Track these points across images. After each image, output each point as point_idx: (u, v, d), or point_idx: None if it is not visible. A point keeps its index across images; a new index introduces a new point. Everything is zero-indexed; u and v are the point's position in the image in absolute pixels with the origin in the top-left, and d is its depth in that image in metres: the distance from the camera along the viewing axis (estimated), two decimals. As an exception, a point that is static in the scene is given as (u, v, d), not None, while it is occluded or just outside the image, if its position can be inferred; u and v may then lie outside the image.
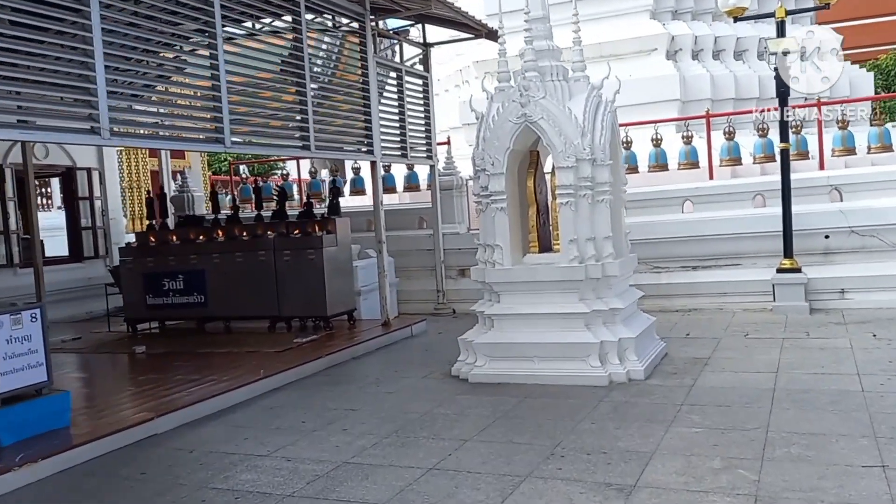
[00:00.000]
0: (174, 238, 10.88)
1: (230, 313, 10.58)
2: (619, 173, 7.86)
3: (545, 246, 7.82)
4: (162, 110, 8.00)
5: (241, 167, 24.01)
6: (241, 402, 6.99)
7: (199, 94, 7.49)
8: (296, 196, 17.01)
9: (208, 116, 7.36)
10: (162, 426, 6.17)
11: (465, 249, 12.05)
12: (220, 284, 10.47)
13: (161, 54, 7.66)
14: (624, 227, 7.99)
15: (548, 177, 7.89)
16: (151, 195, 11.37)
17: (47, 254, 15.78)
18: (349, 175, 14.40)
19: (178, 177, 14.64)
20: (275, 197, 11.42)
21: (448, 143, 12.82)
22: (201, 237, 10.70)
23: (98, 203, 14.97)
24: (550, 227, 7.69)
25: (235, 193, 14.18)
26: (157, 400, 6.74)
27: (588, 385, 6.86)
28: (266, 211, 11.09)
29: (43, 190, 16.50)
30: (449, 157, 12.53)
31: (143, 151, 22.34)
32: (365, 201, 13.84)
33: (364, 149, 10.09)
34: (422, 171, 13.29)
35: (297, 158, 16.19)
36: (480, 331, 7.68)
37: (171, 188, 14.89)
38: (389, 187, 13.30)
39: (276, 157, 22.43)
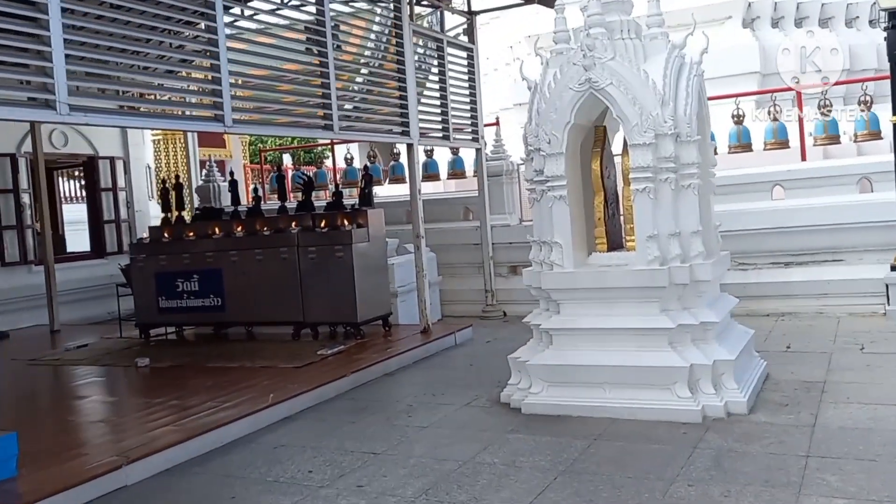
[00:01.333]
0: (189, 233, 9.64)
1: (249, 318, 9.31)
2: (707, 152, 6.28)
3: (615, 243, 6.31)
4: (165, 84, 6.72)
5: (285, 155, 22.90)
6: (242, 437, 5.66)
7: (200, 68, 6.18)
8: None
9: (208, 91, 6.05)
10: (133, 475, 4.86)
11: (517, 244, 10.56)
12: (239, 286, 9.20)
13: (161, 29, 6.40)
14: (714, 218, 6.41)
15: (618, 158, 6.39)
16: (166, 184, 10.18)
17: (70, 249, 14.89)
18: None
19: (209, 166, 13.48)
20: (298, 186, 10.10)
21: (497, 123, 11.32)
22: (218, 232, 9.44)
23: (122, 194, 13.91)
24: (622, 220, 6.15)
25: (258, 184, 12.92)
26: (135, 437, 5.44)
27: (675, 421, 5.35)
28: (293, 203, 9.75)
29: (69, 181, 15.60)
30: (498, 139, 11.03)
31: (182, 140, 21.47)
32: (405, 190, 12.43)
33: (399, 130, 8.67)
34: (468, 157, 11.81)
35: (333, 144, 14.86)
36: (535, 348, 6.21)
37: (197, 178, 13.74)
38: (432, 174, 11.86)
39: (314, 143, 21.24)
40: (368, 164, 11.92)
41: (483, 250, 10.51)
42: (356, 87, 8.08)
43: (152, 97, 7.66)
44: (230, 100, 6.12)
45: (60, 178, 15.47)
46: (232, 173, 10.10)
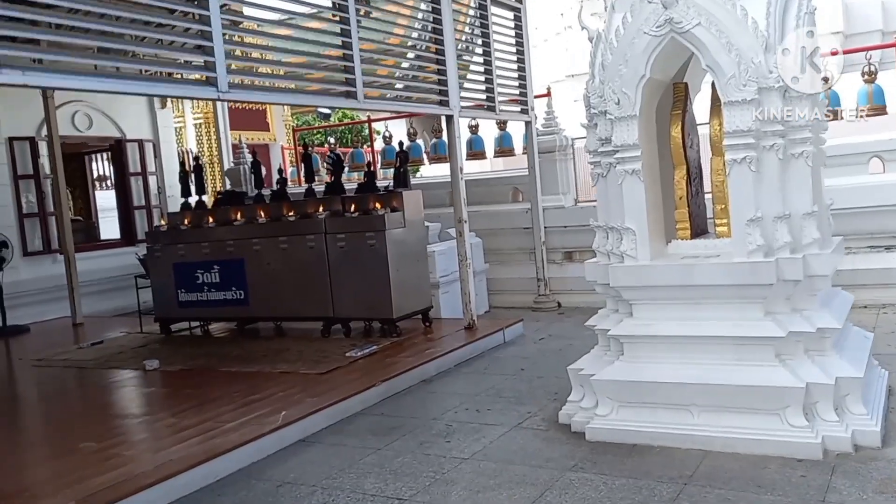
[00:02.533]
0: (209, 220, 8.58)
1: (274, 313, 8.22)
2: (821, 111, 4.88)
3: (699, 228, 5.00)
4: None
5: (331, 139, 21.83)
6: (241, 470, 4.56)
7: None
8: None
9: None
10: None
11: (572, 227, 9.28)
12: (262, 277, 8.12)
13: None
14: (825, 196, 5.03)
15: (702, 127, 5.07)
16: (187, 167, 9.15)
17: (105, 237, 14.07)
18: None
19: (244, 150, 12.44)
20: (327, 167, 8.96)
21: (548, 94, 9.98)
22: (239, 218, 8.35)
23: (153, 179, 12.99)
24: (712, 200, 4.83)
25: (292, 165, 11.82)
26: (99, 475, 4.32)
27: (787, 457, 4.06)
28: (320, 185, 8.60)
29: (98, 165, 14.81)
30: (549, 111, 9.70)
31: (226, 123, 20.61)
32: (447, 170, 11.20)
33: (437, 99, 7.44)
34: (516, 132, 10.50)
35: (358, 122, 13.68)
36: (602, 358, 4.95)
37: (229, 160, 12.74)
38: (477, 152, 10.57)
39: (356, 121, 20.17)
40: (408, 140, 10.69)
41: (534, 235, 9.23)
42: (385, 49, 6.85)
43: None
44: (224, 58, 4.97)
45: (94, 163, 14.63)
46: (254, 153, 8.98)
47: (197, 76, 4.93)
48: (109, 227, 14.32)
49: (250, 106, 21.26)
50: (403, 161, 7.98)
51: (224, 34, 4.87)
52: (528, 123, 9.17)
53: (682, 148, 4.82)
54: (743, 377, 4.30)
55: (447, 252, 8.64)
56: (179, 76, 5.32)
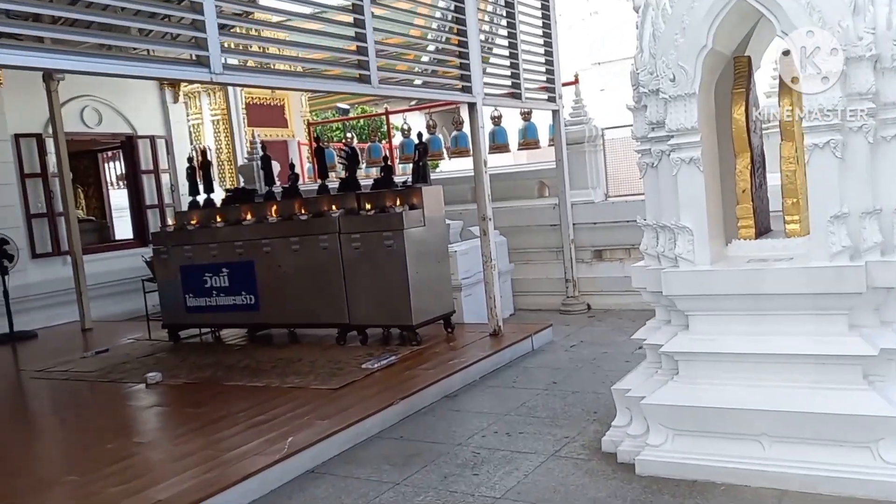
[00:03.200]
0: (216, 219, 7.93)
1: (286, 320, 7.57)
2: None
3: (763, 225, 4.25)
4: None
5: (349, 134, 21.12)
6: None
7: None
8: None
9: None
10: None
11: (602, 224, 8.53)
12: (273, 281, 7.47)
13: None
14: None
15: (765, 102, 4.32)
16: (194, 163, 8.51)
17: (119, 237, 13.50)
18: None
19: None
20: (341, 162, 8.30)
21: (576, 82, 9.23)
22: (249, 217, 7.70)
23: (166, 177, 12.40)
24: (781, 193, 4.07)
25: (300, 163, 11.13)
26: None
27: (880, 500, 3.33)
28: (335, 182, 7.91)
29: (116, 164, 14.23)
30: (578, 99, 8.94)
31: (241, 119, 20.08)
32: (469, 164, 10.48)
33: (459, 85, 6.72)
34: (541, 123, 9.76)
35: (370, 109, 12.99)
36: (652, 378, 4.21)
37: (242, 155, 12.10)
38: (500, 145, 9.83)
39: (372, 114, 19.49)
40: (427, 133, 9.98)
41: (562, 232, 8.49)
42: (402, 31, 6.15)
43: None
44: (217, 37, 4.29)
45: (107, 162, 14.07)
46: (265, 147, 8.31)
47: (188, 56, 4.25)
48: (124, 227, 13.75)
49: (268, 101, 20.71)
50: (422, 154, 7.28)
51: (218, 7, 4.19)
52: (555, 112, 8.42)
53: (747, 132, 4.07)
54: (825, 403, 3.56)
55: (470, 252, 7.93)
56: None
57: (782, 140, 4.03)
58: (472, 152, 6.98)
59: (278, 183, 8.84)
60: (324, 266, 7.13)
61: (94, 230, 12.88)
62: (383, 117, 12.44)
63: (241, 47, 4.94)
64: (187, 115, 13.11)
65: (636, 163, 4.38)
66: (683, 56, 3.84)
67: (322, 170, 7.71)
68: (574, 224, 8.52)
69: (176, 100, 12.72)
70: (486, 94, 6.96)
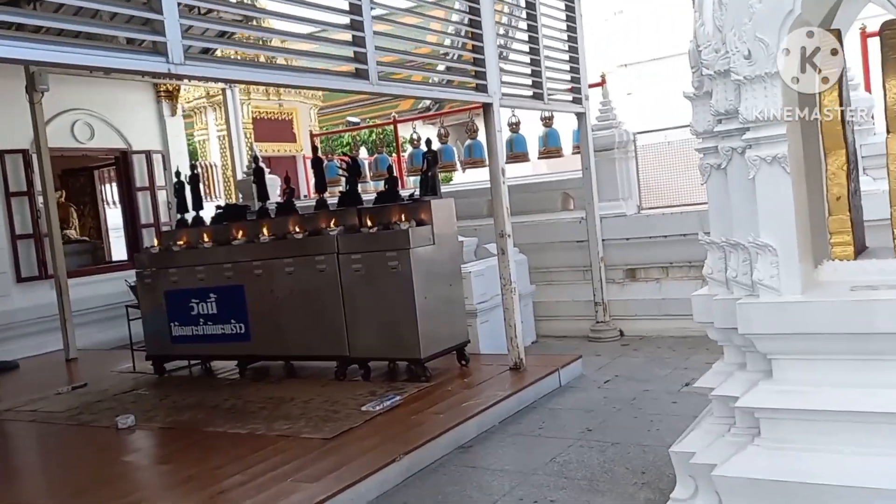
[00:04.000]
0: (205, 238, 7.09)
1: (279, 351, 6.68)
2: None
3: (860, 242, 3.32)
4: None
5: (363, 149, 20.34)
6: None
7: None
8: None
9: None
10: None
11: (636, 240, 7.61)
12: (265, 308, 6.61)
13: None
14: None
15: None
16: (182, 178, 7.69)
17: (117, 258, 12.73)
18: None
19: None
20: (341, 174, 7.46)
21: (602, 83, 8.33)
22: (239, 237, 6.85)
23: (162, 194, 11.61)
24: (889, 201, 3.14)
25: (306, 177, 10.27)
26: None
27: None
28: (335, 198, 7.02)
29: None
30: (605, 101, 8.04)
31: (248, 136, 19.42)
32: (485, 175, 9.61)
33: (472, 84, 5.85)
34: (564, 129, 8.86)
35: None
36: (723, 439, 3.27)
37: (242, 170, 11.27)
38: (518, 154, 8.93)
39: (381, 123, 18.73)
40: (439, 143, 9.12)
41: (591, 249, 7.57)
42: (405, 22, 5.30)
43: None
44: (178, 21, 3.44)
45: (103, 180, 13.31)
46: (257, 159, 7.47)
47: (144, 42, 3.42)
48: (121, 248, 12.97)
49: (276, 115, 20.01)
50: (431, 164, 6.40)
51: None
52: (581, 115, 7.53)
53: (841, 124, 3.15)
54: (971, 483, 2.61)
55: (486, 273, 7.03)
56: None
57: (889, 133, 3.11)
58: (487, 161, 6.08)
59: (279, 197, 8.01)
60: (321, 291, 6.26)
61: (87, 251, 12.11)
62: (396, 129, 11.55)
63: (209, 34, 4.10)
64: (193, 130, 12.32)
65: (698, 165, 3.47)
66: (761, 25, 2.93)
67: (320, 183, 6.85)
68: (604, 240, 7.59)
69: (174, 113, 11.96)
70: (503, 95, 6.08)
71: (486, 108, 5.93)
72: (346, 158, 6.78)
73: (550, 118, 8.78)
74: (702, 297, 3.40)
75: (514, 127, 8.54)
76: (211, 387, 6.65)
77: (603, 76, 8.49)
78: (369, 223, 6.20)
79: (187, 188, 7.61)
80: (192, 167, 7.99)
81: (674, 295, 7.37)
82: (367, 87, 4.61)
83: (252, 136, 19.65)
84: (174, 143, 11.91)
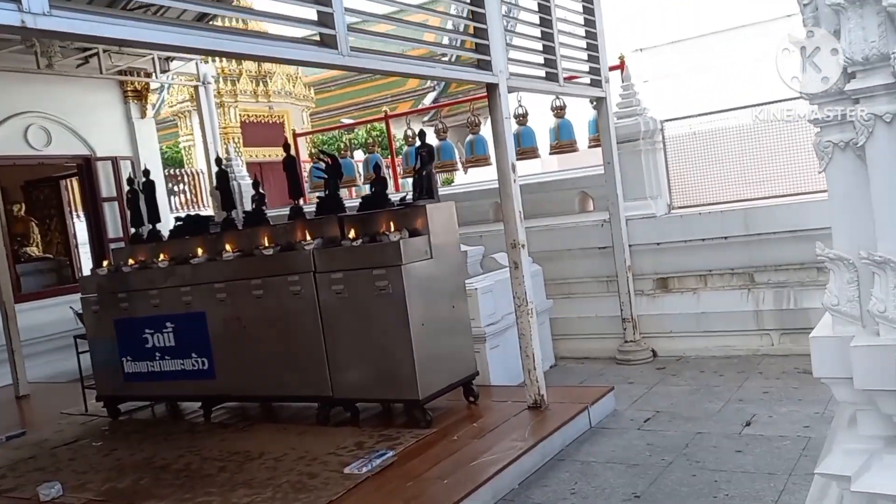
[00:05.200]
0: (161, 257, 6.01)
1: (249, 390, 5.59)
2: None
3: None
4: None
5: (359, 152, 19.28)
6: None
7: None
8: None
9: None
10: None
11: (669, 244, 6.53)
12: (230, 339, 5.54)
13: None
14: None
15: None
16: (136, 185, 6.63)
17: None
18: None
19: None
20: (319, 177, 6.41)
21: (621, 66, 7.25)
22: (200, 253, 5.77)
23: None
24: None
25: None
26: None
27: None
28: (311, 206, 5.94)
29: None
30: (627, 85, 6.95)
31: (235, 140, 18.43)
32: (488, 175, 8.54)
33: (474, 59, 4.77)
34: (577, 119, 7.79)
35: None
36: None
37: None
38: (526, 149, 7.83)
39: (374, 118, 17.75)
40: (437, 140, 8.04)
41: (616, 257, 6.48)
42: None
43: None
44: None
45: (71, 191, 12.22)
46: (220, 162, 6.37)
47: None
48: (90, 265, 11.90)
49: (266, 118, 18.97)
50: (426, 160, 5.31)
51: None
52: (600, 101, 6.45)
53: None
54: None
55: (495, 288, 5.95)
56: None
57: None
58: (494, 156, 5.00)
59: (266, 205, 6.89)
60: (296, 318, 5.19)
61: (52, 270, 11.06)
62: (388, 126, 10.44)
63: None
64: (154, 131, 11.22)
65: (813, 145, 2.37)
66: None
67: (294, 187, 5.76)
68: (630, 245, 6.51)
69: (144, 114, 10.88)
70: (511, 75, 5.00)
71: (491, 91, 4.85)
72: (326, 158, 5.67)
73: (562, 108, 7.71)
74: (826, 341, 2.30)
75: (522, 119, 7.47)
76: (168, 436, 5.56)
77: (622, 58, 7.41)
78: (352, 234, 5.11)
79: (142, 197, 6.53)
80: (146, 172, 6.90)
81: (714, 307, 6.30)
82: (334, 59, 3.53)
83: (241, 140, 18.62)
84: (145, 148, 10.83)
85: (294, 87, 19.05)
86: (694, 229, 6.37)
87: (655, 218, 6.58)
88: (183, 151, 18.98)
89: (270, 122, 18.99)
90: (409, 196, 5.53)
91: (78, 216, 12.39)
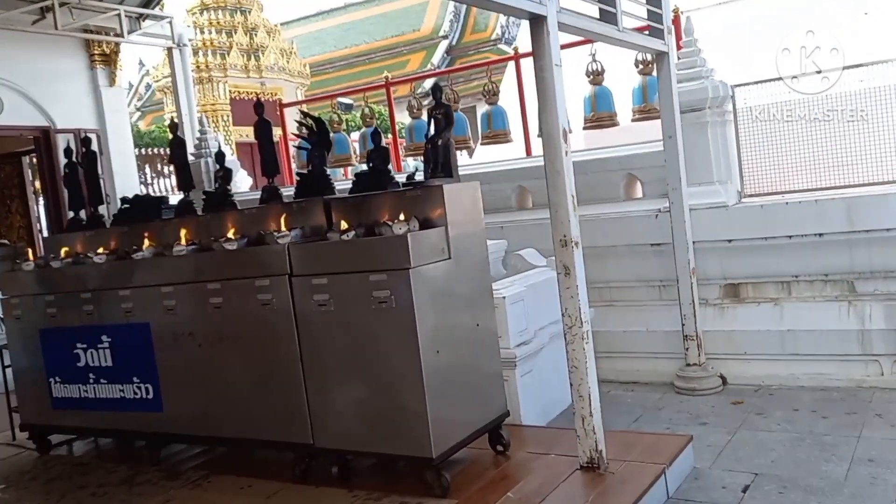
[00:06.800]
0: (99, 250, 4.58)
1: (205, 430, 4.16)
2: None
3: None
4: None
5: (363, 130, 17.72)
6: None
7: None
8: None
9: None
10: None
11: (742, 242, 5.10)
12: (182, 360, 4.12)
13: None
14: None
15: None
16: (74, 158, 5.20)
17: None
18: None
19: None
20: (301, 146, 4.98)
21: (676, 21, 5.79)
22: (144, 246, 4.34)
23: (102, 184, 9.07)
24: None
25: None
26: None
27: None
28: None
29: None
30: (689, 41, 5.49)
31: (224, 118, 17.02)
32: (509, 152, 7.11)
33: (513, -17, 3.32)
34: (617, 87, 6.35)
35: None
36: None
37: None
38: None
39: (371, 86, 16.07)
40: (444, 102, 6.57)
41: (676, 256, 5.05)
42: None
43: None
44: None
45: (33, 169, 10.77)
46: (175, 126, 4.92)
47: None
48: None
49: (258, 95, 17.45)
50: (443, 125, 3.87)
51: None
52: (660, 57, 5.00)
53: None
54: None
55: (526, 296, 4.54)
56: None
57: None
58: (539, 114, 3.54)
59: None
60: (265, 337, 3.78)
61: (7, 257, 9.57)
62: (389, 95, 8.90)
63: None
64: (124, 102, 9.75)
65: None
66: None
67: (269, 161, 4.32)
68: (694, 242, 5.07)
69: (113, 82, 9.40)
70: (562, 8, 3.56)
71: (536, 28, 3.41)
72: (309, 121, 4.23)
73: (599, 73, 6.31)
74: None
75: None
76: (97, 487, 4.14)
77: (675, 10, 5.96)
78: (343, 224, 3.68)
79: (80, 173, 5.10)
80: (86, 141, 5.43)
81: (803, 324, 4.90)
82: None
83: (230, 119, 17.09)
84: (113, 120, 9.36)
85: (288, 62, 17.56)
86: (777, 223, 4.95)
87: (727, 208, 5.14)
88: (169, 130, 17.56)
89: (263, 99, 17.51)
90: (420, 174, 4.10)
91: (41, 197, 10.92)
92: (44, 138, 8.80)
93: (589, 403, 3.49)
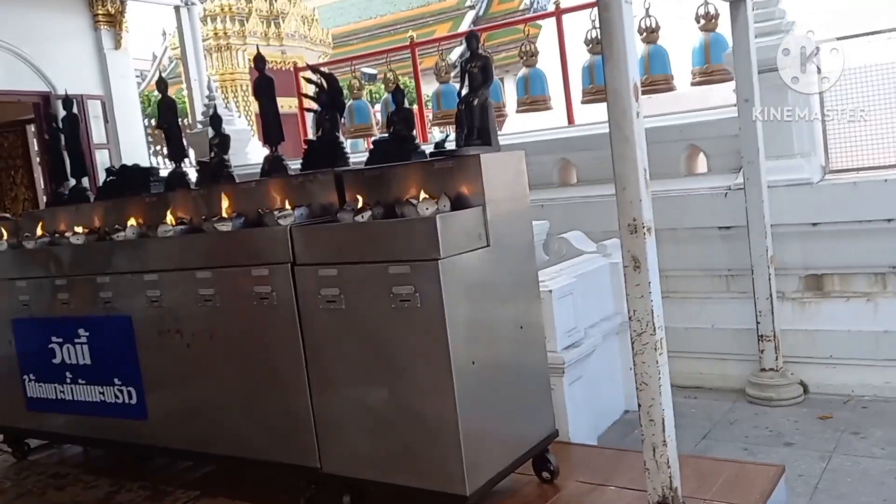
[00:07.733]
0: (79, 230, 3.94)
1: (193, 444, 3.51)
2: None
3: None
4: None
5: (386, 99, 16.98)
6: None
7: None
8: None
9: None
10: None
11: (829, 226, 4.32)
12: (168, 361, 3.47)
13: None
14: None
15: None
16: (54, 124, 4.58)
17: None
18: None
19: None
20: (309, 107, 4.28)
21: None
22: (130, 225, 3.68)
23: (103, 154, 8.51)
24: None
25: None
26: None
27: None
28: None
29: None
30: (767, -10, 4.70)
31: (243, 87, 16.45)
32: (548, 120, 6.34)
33: None
34: (673, 45, 5.56)
35: None
36: None
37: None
38: (601, 87, 5.63)
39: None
40: (481, 53, 5.82)
41: (751, 242, 4.30)
42: None
43: None
44: None
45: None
46: (163, 82, 4.22)
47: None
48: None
49: (276, 65, 16.75)
50: (480, 81, 3.14)
51: None
52: (736, 5, 4.20)
53: None
54: None
55: (575, 289, 3.82)
56: None
57: None
58: (605, 73, 2.80)
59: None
60: (264, 338, 3.11)
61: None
62: (415, 60, 8.12)
63: None
64: (130, 67, 9.12)
65: None
66: None
67: (271, 127, 3.63)
68: (771, 226, 4.31)
69: (118, 45, 8.76)
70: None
71: (605, -46, 2.65)
72: (319, 77, 3.53)
73: (654, 30, 5.50)
74: None
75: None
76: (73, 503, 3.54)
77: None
78: (358, 202, 2.98)
79: (63, 140, 4.45)
80: (68, 103, 4.75)
81: (901, 323, 4.13)
82: None
83: (249, 89, 16.41)
84: (119, 86, 8.75)
85: (310, 30, 16.83)
86: (873, 203, 4.18)
87: (811, 185, 4.36)
88: (186, 100, 16.96)
89: (283, 68, 16.74)
90: (451, 142, 3.38)
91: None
92: (44, 104, 8.20)
93: (662, 430, 2.78)
